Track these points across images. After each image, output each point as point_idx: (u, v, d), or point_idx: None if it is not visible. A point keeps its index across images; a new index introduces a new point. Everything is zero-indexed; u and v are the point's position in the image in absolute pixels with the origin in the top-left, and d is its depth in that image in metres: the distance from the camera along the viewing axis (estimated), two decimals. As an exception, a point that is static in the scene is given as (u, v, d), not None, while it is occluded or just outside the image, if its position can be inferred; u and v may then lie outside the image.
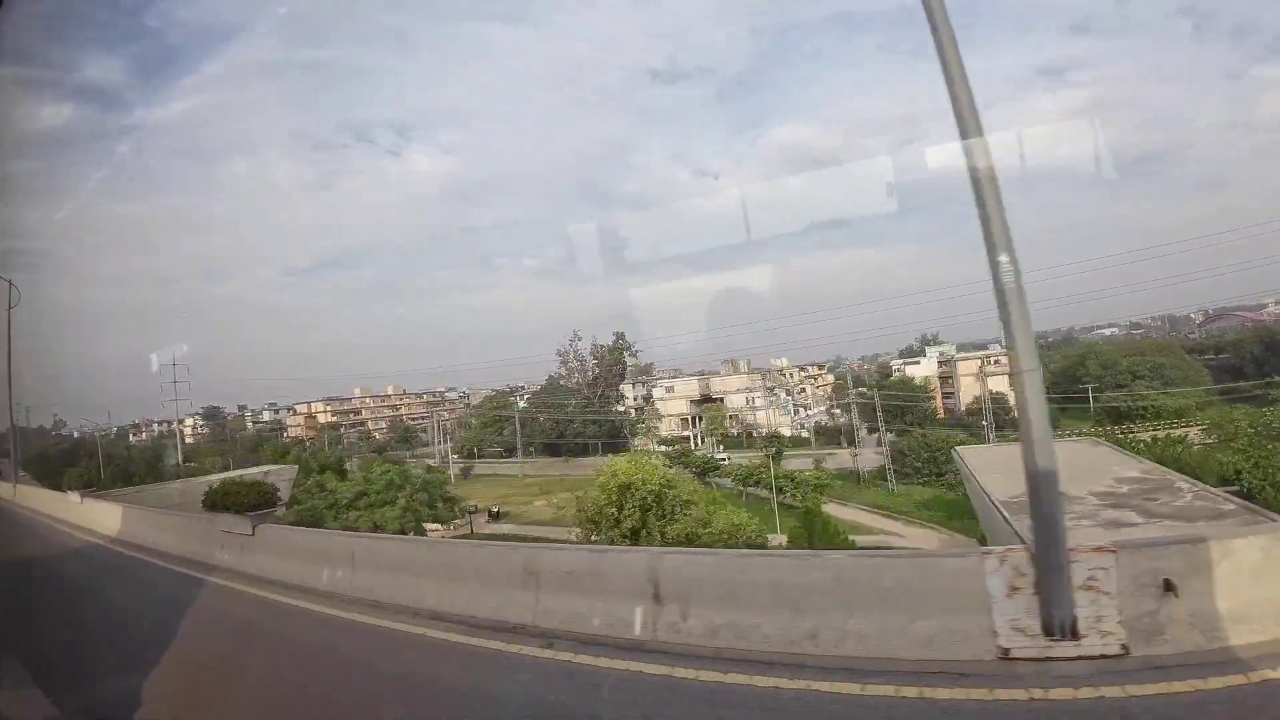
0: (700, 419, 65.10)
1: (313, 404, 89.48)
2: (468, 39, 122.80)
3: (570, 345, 72.36)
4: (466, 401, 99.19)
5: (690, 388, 66.97)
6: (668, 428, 67.67)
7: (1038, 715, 4.05)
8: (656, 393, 66.64)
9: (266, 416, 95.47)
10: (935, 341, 79.96)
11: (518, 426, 61.50)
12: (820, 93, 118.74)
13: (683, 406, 66.63)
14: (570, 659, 5.50)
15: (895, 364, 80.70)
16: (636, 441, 62.24)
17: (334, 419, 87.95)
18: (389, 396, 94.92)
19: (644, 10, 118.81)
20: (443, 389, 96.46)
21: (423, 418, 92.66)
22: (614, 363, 69.51)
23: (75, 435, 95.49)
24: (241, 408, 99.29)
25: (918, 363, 77.26)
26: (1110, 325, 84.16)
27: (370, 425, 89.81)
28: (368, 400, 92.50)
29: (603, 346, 68.96)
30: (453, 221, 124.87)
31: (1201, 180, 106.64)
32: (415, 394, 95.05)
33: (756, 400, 63.20)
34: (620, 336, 69.05)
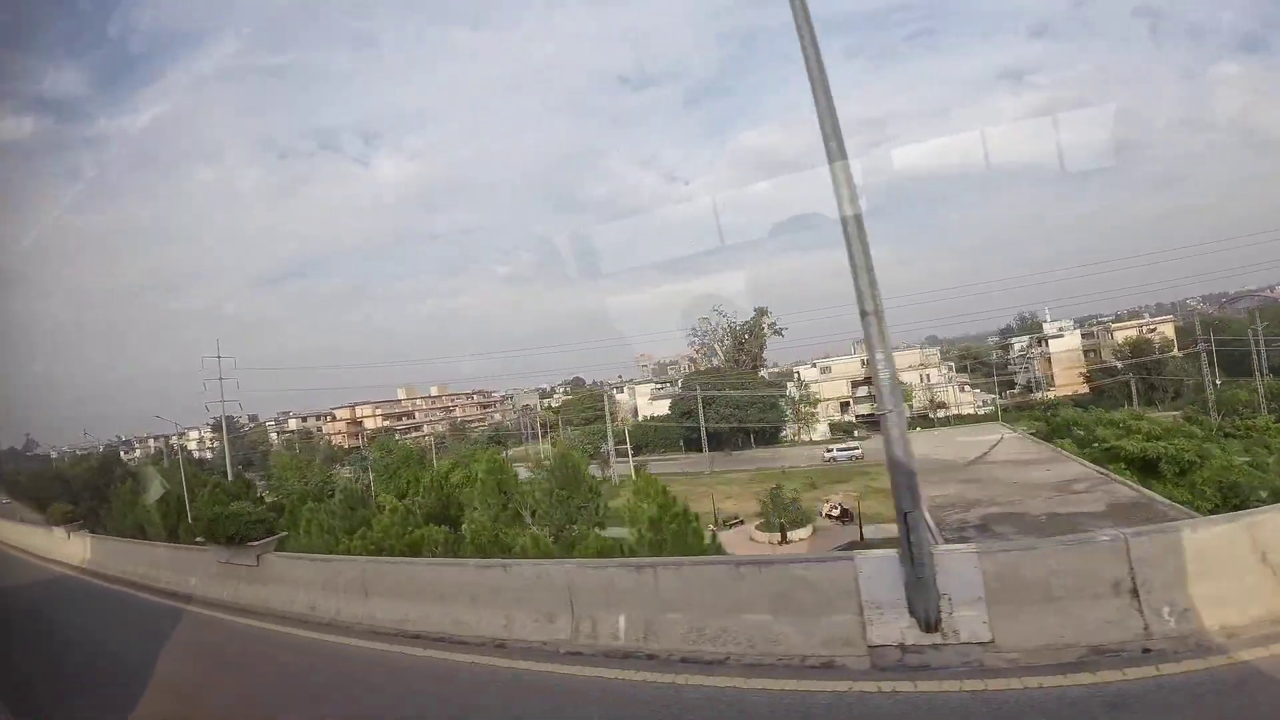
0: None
1: (357, 407, 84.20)
2: (432, 42, 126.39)
3: (713, 322, 67.00)
4: (513, 402, 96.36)
5: (847, 368, 55.53)
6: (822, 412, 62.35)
7: (902, 707, 4.26)
8: (807, 374, 54.74)
9: (293, 425, 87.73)
10: (1035, 320, 78.46)
11: (701, 418, 47.06)
12: (787, 97, 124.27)
13: (842, 388, 55.13)
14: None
15: (1015, 343, 78.43)
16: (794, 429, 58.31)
17: (385, 422, 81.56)
18: (438, 397, 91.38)
19: (611, 15, 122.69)
20: (484, 390, 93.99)
21: (477, 419, 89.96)
22: (756, 344, 56.45)
23: (51, 455, 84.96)
24: (253, 417, 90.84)
25: (1060, 337, 71.27)
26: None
27: (426, 427, 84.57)
28: (418, 401, 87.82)
29: (742, 325, 57.12)
30: (419, 227, 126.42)
31: (1159, 178, 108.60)
32: (460, 395, 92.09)
33: (931, 377, 52.63)
34: (762, 312, 56.82)
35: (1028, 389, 73.13)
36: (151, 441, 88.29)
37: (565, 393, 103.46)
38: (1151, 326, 71.21)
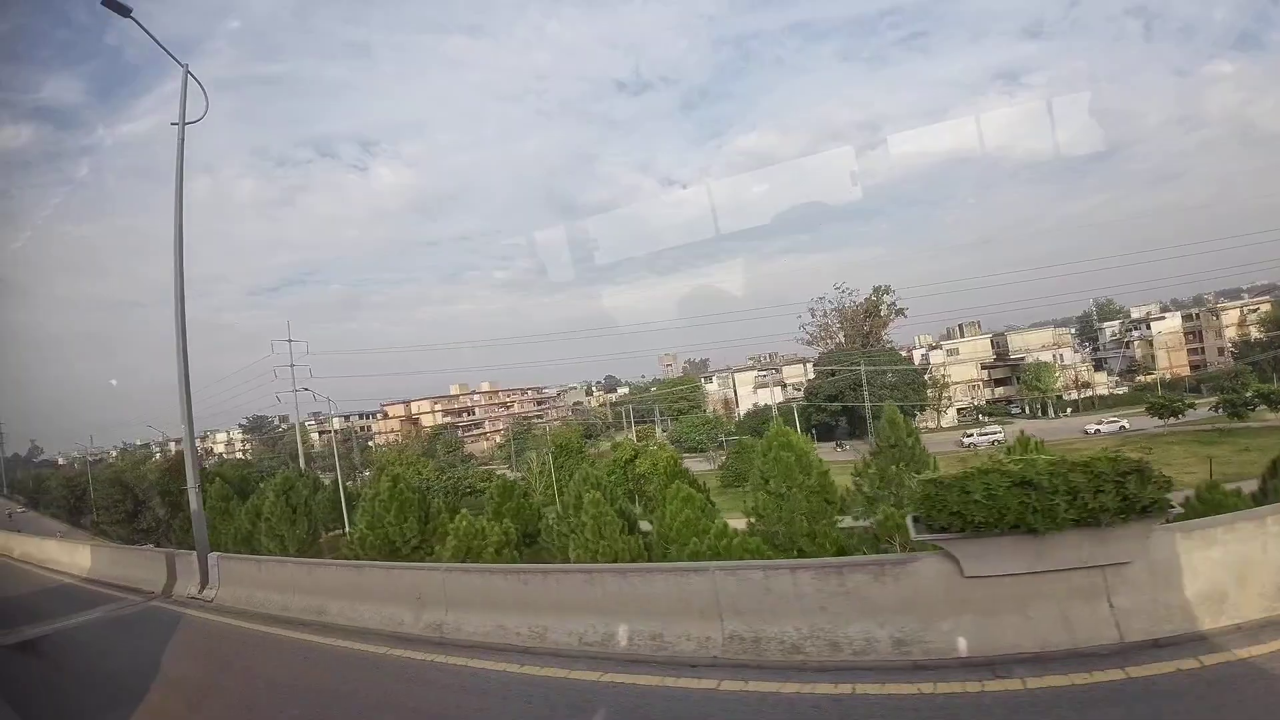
0: (1018, 380, 56.07)
1: (412, 403, 77.45)
2: (428, 51, 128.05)
3: (837, 301, 62.15)
4: (565, 398, 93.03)
5: (976, 348, 50.33)
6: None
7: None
8: (934, 356, 49.39)
9: (336, 424, 75.80)
10: (1114, 306, 75.60)
11: (866, 397, 42.28)
12: (782, 101, 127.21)
13: (971, 371, 49.77)
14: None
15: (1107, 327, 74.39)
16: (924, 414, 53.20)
17: (446, 419, 75.69)
18: (494, 393, 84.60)
19: (605, 22, 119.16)
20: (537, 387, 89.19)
21: (535, 415, 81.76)
22: (878, 324, 49.64)
23: (59, 461, 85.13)
24: (283, 418, 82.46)
25: (1163, 319, 69.92)
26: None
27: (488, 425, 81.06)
28: (476, 397, 77.81)
29: (860, 306, 51.64)
30: (417, 234, 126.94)
31: (1153, 174, 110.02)
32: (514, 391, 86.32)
33: (1064, 357, 47.68)
34: (882, 290, 59.54)
35: (1129, 372, 68.82)
36: (173, 445, 79.17)
37: (601, 390, 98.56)
38: (1253, 306, 68.97)
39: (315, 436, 78.70)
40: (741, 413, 61.96)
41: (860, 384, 52.44)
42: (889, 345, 58.96)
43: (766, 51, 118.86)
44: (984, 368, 58.87)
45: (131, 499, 39.15)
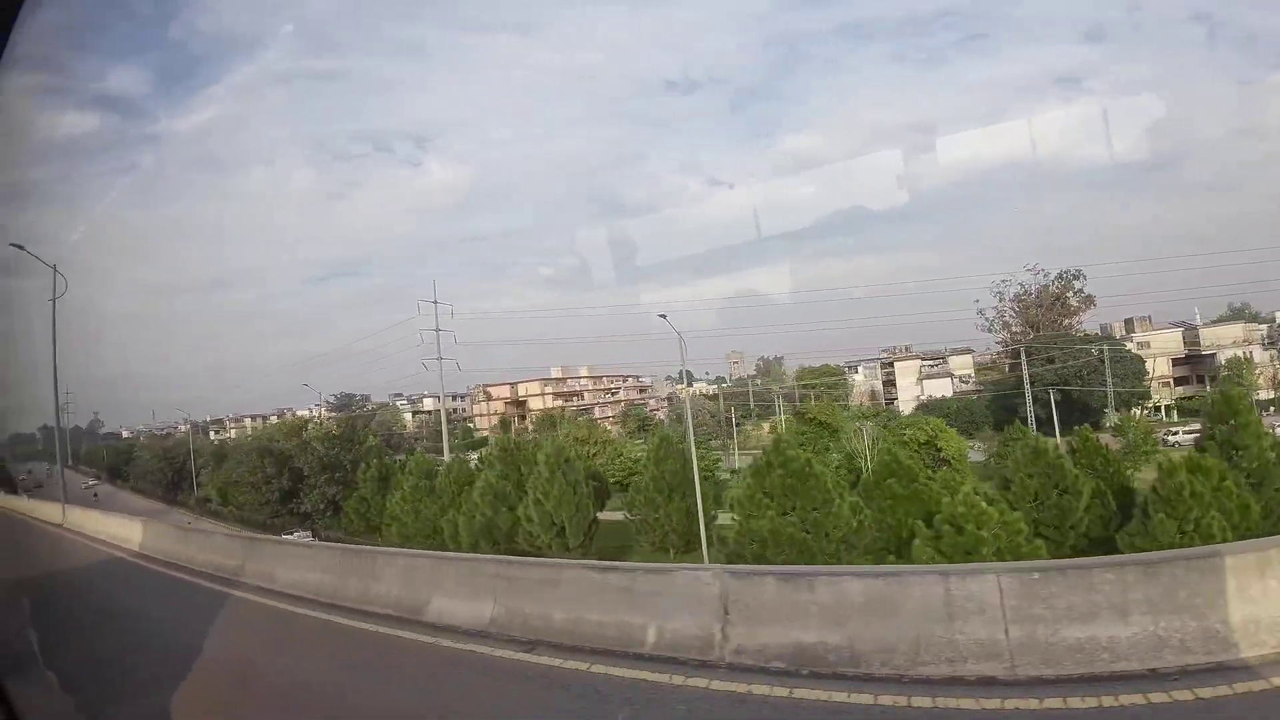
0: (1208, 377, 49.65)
1: (518, 385, 70.59)
2: (478, 49, 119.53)
3: (1026, 284, 55.00)
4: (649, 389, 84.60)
5: (1166, 341, 43.41)
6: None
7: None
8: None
9: (429, 405, 72.09)
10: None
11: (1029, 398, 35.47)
12: (832, 101, 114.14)
13: (1164, 366, 42.91)
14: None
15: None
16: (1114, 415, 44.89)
17: (557, 403, 68.07)
18: (599, 378, 77.00)
19: (655, 20, 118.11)
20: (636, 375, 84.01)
21: (638, 402, 76.91)
22: (1062, 314, 53.77)
23: (123, 434, 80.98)
24: (364, 397, 78.68)
25: None
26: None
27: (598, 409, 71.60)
28: (585, 382, 75.42)
29: (1046, 291, 44.92)
30: (463, 229, 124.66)
31: (1213, 185, 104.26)
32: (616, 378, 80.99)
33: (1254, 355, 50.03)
34: (1072, 275, 53.73)
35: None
36: (249, 422, 72.87)
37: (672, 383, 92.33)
38: None
39: (408, 417, 71.98)
40: (901, 404, 55.22)
41: (1055, 373, 45.99)
42: (1083, 335, 52.21)
43: (818, 51, 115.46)
44: (1177, 362, 52.21)
45: (290, 475, 32.15)
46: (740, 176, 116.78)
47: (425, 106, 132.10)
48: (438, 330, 42.82)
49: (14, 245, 23.74)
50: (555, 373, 73.76)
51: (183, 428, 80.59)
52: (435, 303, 42.96)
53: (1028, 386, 44.06)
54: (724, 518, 25.16)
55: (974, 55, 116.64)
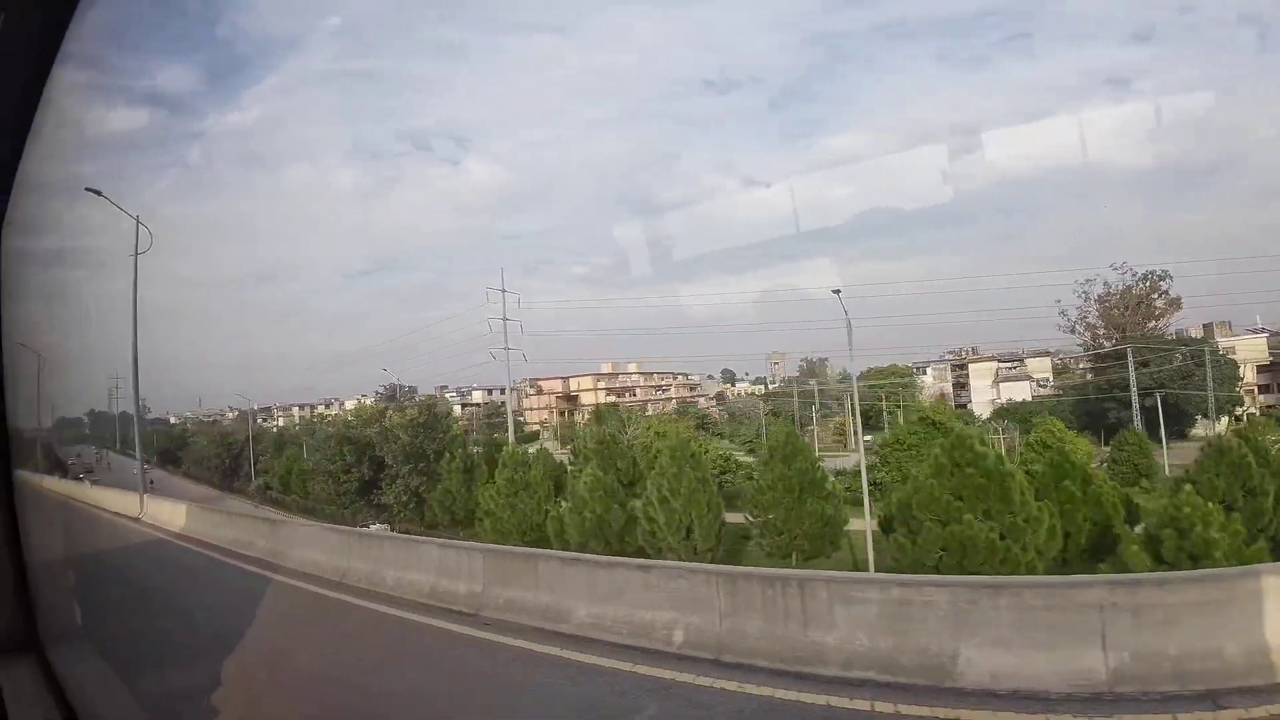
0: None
1: (570, 379, 69.05)
2: (517, 50, 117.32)
3: (1111, 283, 51.73)
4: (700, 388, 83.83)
5: (1251, 346, 40.35)
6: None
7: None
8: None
9: (477, 397, 73.64)
10: None
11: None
12: (872, 101, 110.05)
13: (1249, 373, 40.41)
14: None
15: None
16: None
17: (610, 398, 66.75)
18: (650, 374, 75.11)
19: (693, 21, 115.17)
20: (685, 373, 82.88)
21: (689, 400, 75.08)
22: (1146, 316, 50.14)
23: (170, 420, 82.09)
24: (410, 389, 70.43)
25: None
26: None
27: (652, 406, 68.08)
28: (636, 377, 73.23)
29: (1129, 292, 41.60)
30: (499, 227, 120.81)
31: (1266, 190, 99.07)
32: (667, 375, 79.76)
33: None
34: (1159, 276, 50.21)
35: None
36: (296, 410, 72.32)
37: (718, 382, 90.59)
38: None
39: (457, 409, 70.81)
40: (975, 407, 52.67)
41: (1151, 377, 43.36)
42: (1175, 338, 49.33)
43: (858, 50, 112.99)
44: (1260, 369, 49.12)
45: (371, 465, 30.73)
46: (777, 176, 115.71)
47: (463, 106, 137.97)
48: (505, 319, 41.48)
49: (91, 190, 22.29)
50: (604, 368, 72.49)
51: (230, 415, 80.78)
52: (504, 291, 41.58)
53: (1134, 390, 41.49)
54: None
55: (1018, 55, 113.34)
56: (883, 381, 57.23)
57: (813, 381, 74.69)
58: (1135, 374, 45.00)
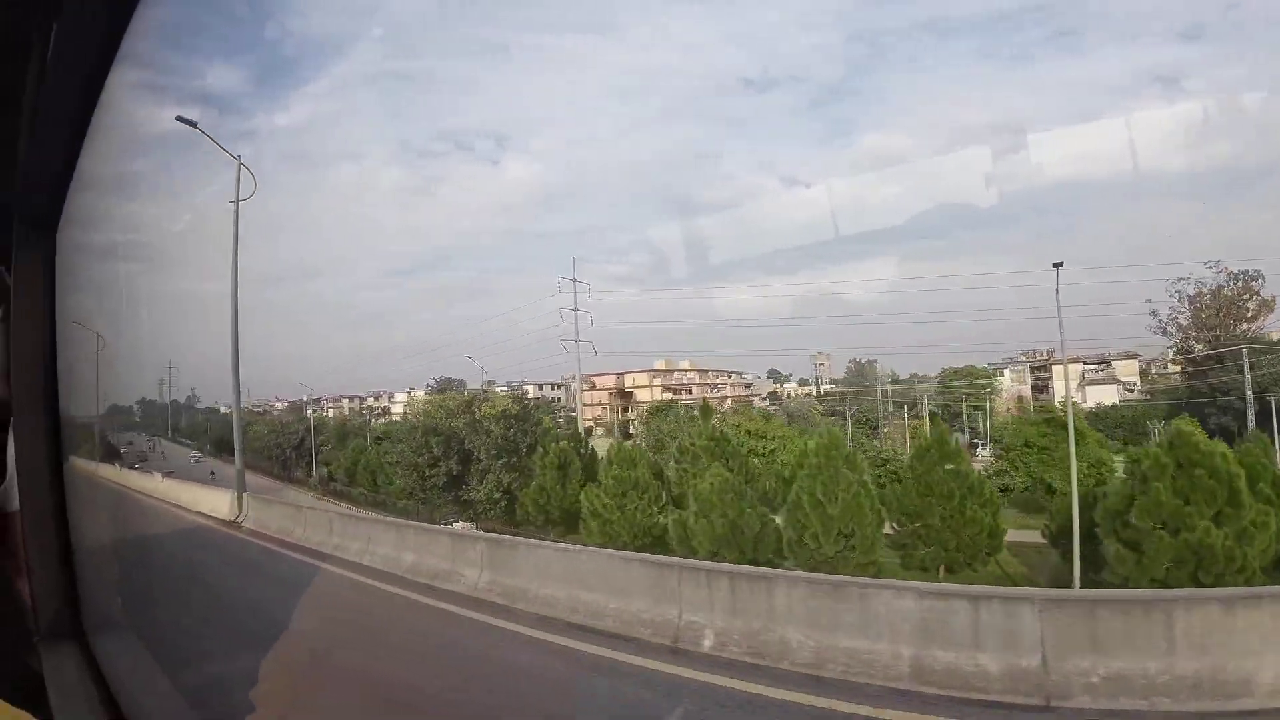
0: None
1: (624, 375, 67.93)
2: (557, 50, 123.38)
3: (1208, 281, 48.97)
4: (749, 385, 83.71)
5: None
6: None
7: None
8: None
9: (530, 392, 67.58)
10: None
11: None
12: (915, 100, 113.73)
13: None
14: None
15: None
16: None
17: (668, 395, 65.12)
18: (705, 372, 74.46)
19: (734, 20, 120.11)
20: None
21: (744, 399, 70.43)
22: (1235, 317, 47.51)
23: (220, 410, 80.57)
24: (460, 382, 70.86)
25: None
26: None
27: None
28: (692, 374, 72.57)
29: (1220, 293, 38.94)
30: (537, 225, 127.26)
31: None
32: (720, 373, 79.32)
33: None
34: (1250, 276, 47.75)
35: None
36: (346, 402, 72.86)
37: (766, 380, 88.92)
38: None
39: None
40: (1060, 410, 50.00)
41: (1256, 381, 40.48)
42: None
43: (901, 48, 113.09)
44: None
45: (458, 457, 29.14)
46: (818, 176, 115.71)
47: (505, 106, 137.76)
48: (576, 309, 39.85)
49: (182, 120, 20.06)
50: (658, 365, 70.77)
51: (278, 405, 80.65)
52: (575, 280, 39.93)
53: (1250, 393, 38.62)
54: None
55: (1064, 52, 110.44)
56: (961, 382, 54.76)
57: (882, 381, 72.34)
58: (1234, 378, 42.20)
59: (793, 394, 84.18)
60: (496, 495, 29.33)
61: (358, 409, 73.00)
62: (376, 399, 77.13)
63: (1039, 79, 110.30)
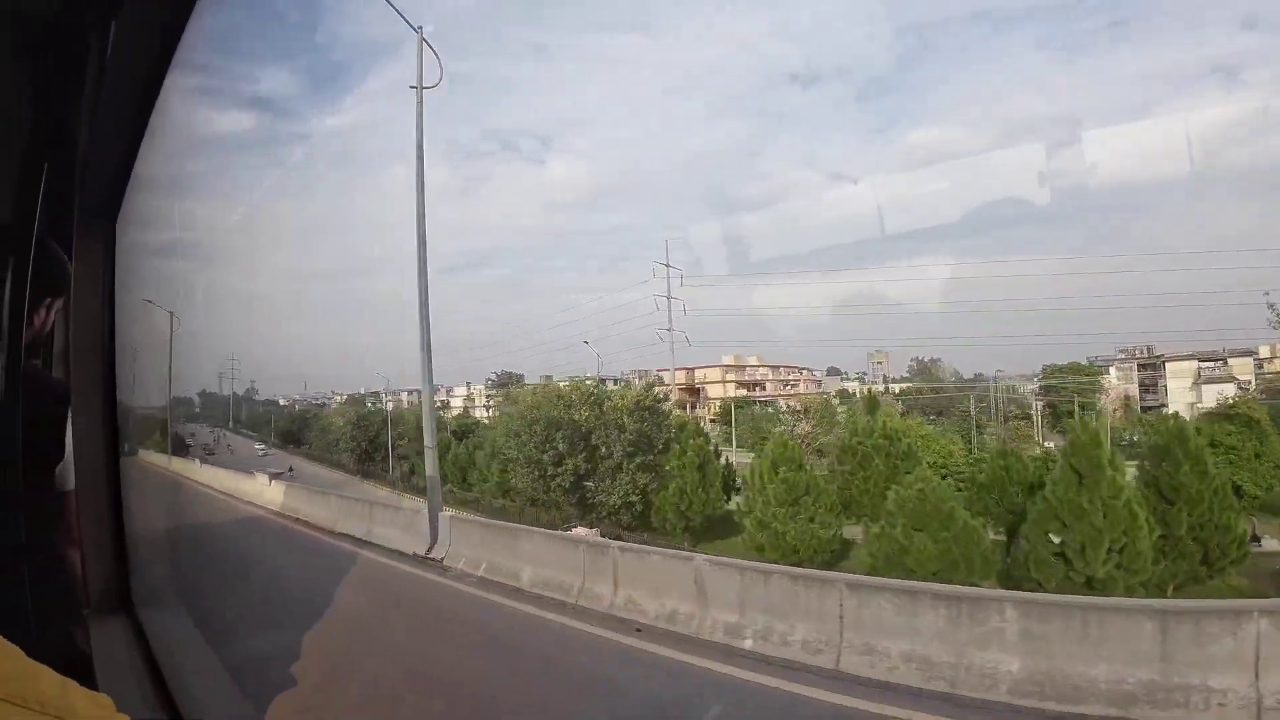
0: None
1: (695, 370, 63.84)
2: (601, 49, 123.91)
3: None
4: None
5: None
6: None
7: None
8: None
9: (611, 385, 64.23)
10: None
11: None
12: (966, 92, 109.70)
13: None
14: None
15: None
16: None
17: (741, 391, 63.60)
18: (778, 367, 71.65)
19: (778, 13, 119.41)
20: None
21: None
22: None
23: (279, 402, 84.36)
24: (519, 376, 73.16)
25: None
26: None
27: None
28: (764, 370, 69.18)
29: None
30: (582, 224, 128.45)
31: None
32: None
33: None
34: None
35: None
36: (404, 395, 75.32)
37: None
38: None
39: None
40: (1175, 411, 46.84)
41: None
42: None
43: (951, 39, 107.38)
44: None
45: (584, 455, 26.68)
46: (865, 171, 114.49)
47: (549, 106, 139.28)
48: (669, 297, 37.72)
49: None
50: (726, 359, 68.35)
51: (337, 398, 79.77)
52: (668, 265, 37.68)
53: None
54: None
55: (1121, 43, 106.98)
56: (1068, 380, 51.72)
57: (954, 379, 69.33)
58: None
59: (855, 391, 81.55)
60: (633, 498, 26.40)
61: (415, 402, 70.91)
62: (435, 393, 73.33)
63: (1095, 70, 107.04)
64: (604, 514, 27.65)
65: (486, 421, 56.64)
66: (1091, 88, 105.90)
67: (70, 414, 1.93)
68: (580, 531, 23.58)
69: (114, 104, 1.54)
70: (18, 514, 1.60)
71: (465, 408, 73.13)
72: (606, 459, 27.40)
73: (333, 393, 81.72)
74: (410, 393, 77.21)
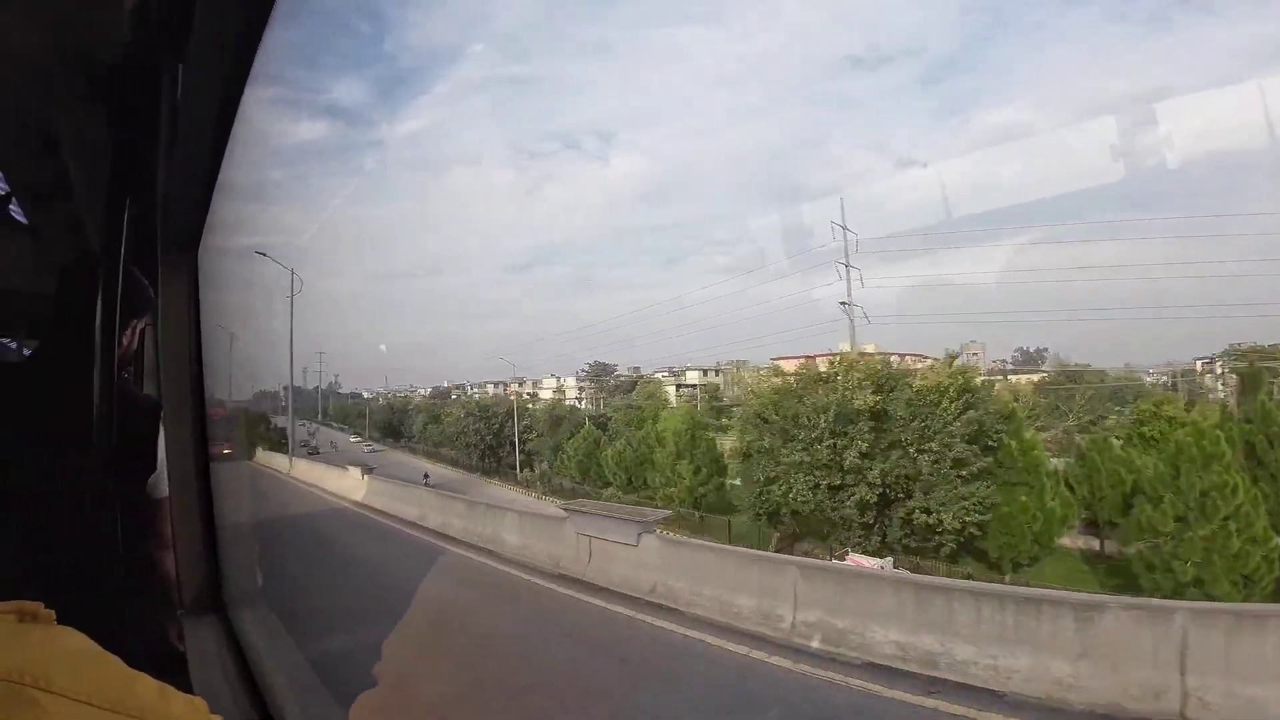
0: None
1: (813, 359, 54.66)
2: (662, 43, 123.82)
3: None
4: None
5: None
6: None
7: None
8: None
9: (692, 378, 71.26)
10: None
11: None
12: (1040, 71, 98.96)
13: None
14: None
15: None
16: None
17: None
18: (904, 356, 63.81)
19: None
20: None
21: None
22: None
23: (364, 395, 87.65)
24: (612, 367, 76.06)
25: None
26: None
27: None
28: (879, 358, 49.29)
29: None
30: (642, 220, 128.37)
31: None
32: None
33: None
34: None
35: None
36: (490, 388, 77.80)
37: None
38: None
39: (670, 391, 67.06)
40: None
41: None
42: None
43: (1024, 15, 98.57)
44: None
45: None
46: (934, 155, 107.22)
47: (610, 103, 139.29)
48: (847, 264, 36.27)
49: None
50: (840, 347, 65.07)
51: (421, 392, 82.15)
52: (844, 228, 36.15)
53: None
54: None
55: (1204, 14, 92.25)
56: (1269, 364, 44.61)
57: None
58: None
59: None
60: (970, 516, 19.94)
61: (502, 394, 68.90)
62: (520, 384, 73.79)
63: (1176, 45, 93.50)
64: (916, 538, 21.69)
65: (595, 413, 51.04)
66: (1173, 63, 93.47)
67: (162, 425, 2.10)
68: (864, 562, 19.56)
69: (190, 138, 1.59)
70: (114, 521, 1.72)
71: (556, 399, 70.49)
72: (938, 462, 20.86)
73: (410, 386, 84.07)
74: (496, 384, 77.42)
